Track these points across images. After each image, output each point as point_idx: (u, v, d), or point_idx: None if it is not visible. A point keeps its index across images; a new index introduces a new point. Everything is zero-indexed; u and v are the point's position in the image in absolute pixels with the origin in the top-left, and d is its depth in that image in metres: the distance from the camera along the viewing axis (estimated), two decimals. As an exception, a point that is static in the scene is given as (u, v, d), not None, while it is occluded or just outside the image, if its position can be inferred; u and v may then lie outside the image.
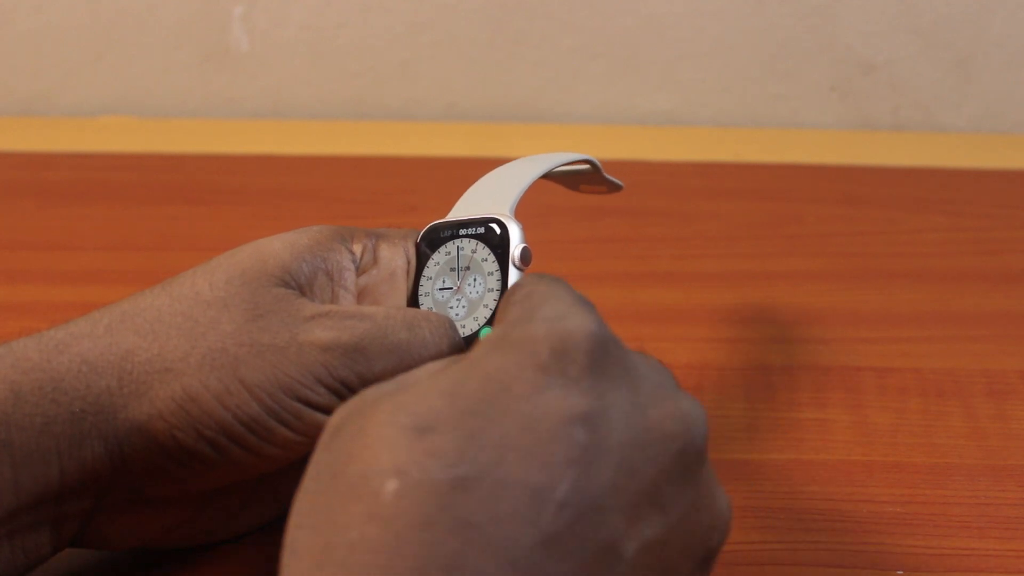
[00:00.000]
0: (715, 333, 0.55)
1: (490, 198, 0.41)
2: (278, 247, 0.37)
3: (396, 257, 0.40)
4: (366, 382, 0.35)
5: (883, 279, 0.59)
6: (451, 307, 0.39)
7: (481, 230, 0.40)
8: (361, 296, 0.39)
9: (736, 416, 0.49)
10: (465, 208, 0.41)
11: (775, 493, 0.44)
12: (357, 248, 0.39)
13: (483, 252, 0.39)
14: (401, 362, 0.36)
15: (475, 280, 0.39)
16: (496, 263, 0.39)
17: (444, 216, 0.41)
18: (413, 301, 0.39)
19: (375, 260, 0.39)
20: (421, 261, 0.40)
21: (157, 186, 0.68)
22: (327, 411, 0.35)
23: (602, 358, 0.29)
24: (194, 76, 0.78)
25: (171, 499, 0.37)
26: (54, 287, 0.58)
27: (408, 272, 0.40)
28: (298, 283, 0.37)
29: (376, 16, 0.76)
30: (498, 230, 0.39)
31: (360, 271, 0.39)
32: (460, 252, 0.39)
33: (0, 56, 0.77)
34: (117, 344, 0.35)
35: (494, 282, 0.39)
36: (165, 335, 0.35)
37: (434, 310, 0.39)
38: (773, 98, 0.78)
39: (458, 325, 0.38)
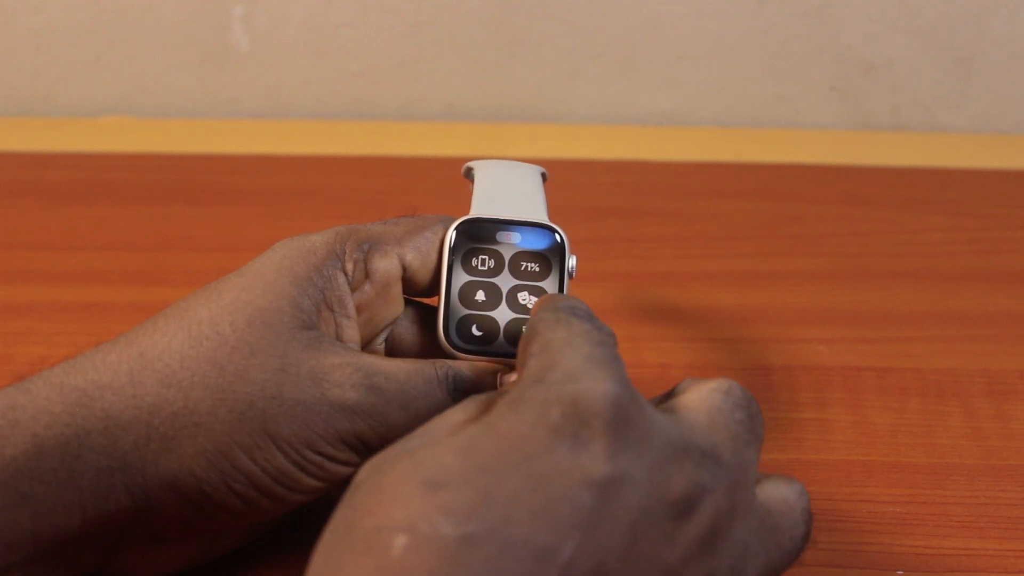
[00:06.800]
0: (715, 333, 0.55)
1: (521, 203, 0.41)
2: (286, 283, 0.37)
3: (389, 267, 0.39)
4: (382, 437, 0.36)
5: (883, 279, 0.59)
6: (484, 301, 0.39)
7: (535, 235, 0.40)
8: (356, 315, 0.39)
9: (736, 416, 0.49)
10: (495, 208, 0.40)
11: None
12: (349, 267, 0.38)
13: (534, 258, 0.39)
14: (416, 420, 0.36)
15: (521, 282, 0.39)
16: (553, 271, 0.39)
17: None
18: (446, 299, 0.39)
19: (366, 274, 0.39)
20: (455, 255, 0.39)
21: (157, 186, 0.68)
22: (345, 463, 0.36)
23: (617, 422, 0.29)
24: (194, 76, 0.78)
25: (191, 537, 0.37)
26: (54, 287, 0.58)
27: (404, 278, 0.39)
28: (309, 319, 0.37)
29: (376, 16, 0.76)
30: (556, 239, 0.40)
31: (351, 288, 0.38)
32: (508, 254, 0.40)
33: (0, 56, 0.77)
34: (141, 397, 0.34)
35: (550, 287, 0.39)
36: (190, 384, 0.34)
37: (461, 308, 0.39)
38: (773, 98, 0.78)
39: (495, 318, 0.39)
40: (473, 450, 0.28)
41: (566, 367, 0.30)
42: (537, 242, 0.40)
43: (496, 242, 0.40)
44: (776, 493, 0.33)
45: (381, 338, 0.40)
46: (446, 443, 0.29)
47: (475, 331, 0.39)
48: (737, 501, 0.31)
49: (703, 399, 0.32)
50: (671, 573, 0.29)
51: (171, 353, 0.35)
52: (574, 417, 0.29)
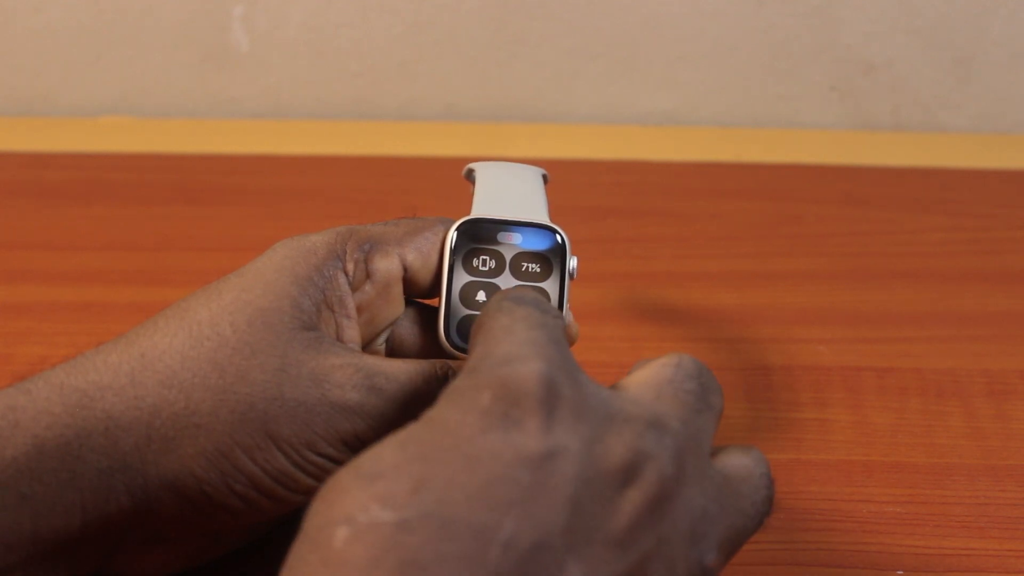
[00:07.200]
0: (715, 333, 0.55)
1: (522, 203, 0.41)
2: (287, 282, 0.37)
3: (391, 267, 0.39)
4: (382, 438, 0.36)
5: (883, 279, 0.59)
6: (485, 301, 0.39)
7: (536, 236, 0.40)
8: (357, 315, 0.39)
9: (737, 416, 0.49)
10: (497, 209, 0.41)
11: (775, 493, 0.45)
12: (350, 267, 0.38)
13: (535, 258, 0.40)
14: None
15: (522, 282, 0.39)
16: (554, 272, 0.39)
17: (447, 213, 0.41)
18: (447, 299, 0.39)
19: (367, 274, 0.38)
20: (456, 255, 0.39)
21: (157, 186, 0.68)
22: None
23: (549, 399, 0.29)
24: (194, 76, 0.78)
25: (191, 537, 0.37)
26: (54, 287, 0.58)
27: (405, 279, 0.39)
28: (310, 319, 0.37)
29: (376, 16, 0.76)
30: (557, 240, 0.40)
31: (352, 288, 0.38)
32: (509, 254, 0.40)
33: (0, 56, 0.77)
34: (142, 398, 0.34)
35: (551, 288, 0.39)
36: (191, 385, 0.34)
37: (461, 308, 0.39)
38: (773, 98, 0.78)
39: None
40: (409, 442, 0.29)
41: (500, 352, 0.31)
42: (538, 243, 0.40)
43: (497, 243, 0.40)
44: (734, 461, 0.33)
45: (382, 338, 0.40)
46: (387, 440, 0.30)
47: None
48: (687, 467, 0.31)
49: (653, 374, 0.33)
50: (620, 540, 0.29)
51: (172, 354, 0.35)
52: (504, 399, 0.29)
